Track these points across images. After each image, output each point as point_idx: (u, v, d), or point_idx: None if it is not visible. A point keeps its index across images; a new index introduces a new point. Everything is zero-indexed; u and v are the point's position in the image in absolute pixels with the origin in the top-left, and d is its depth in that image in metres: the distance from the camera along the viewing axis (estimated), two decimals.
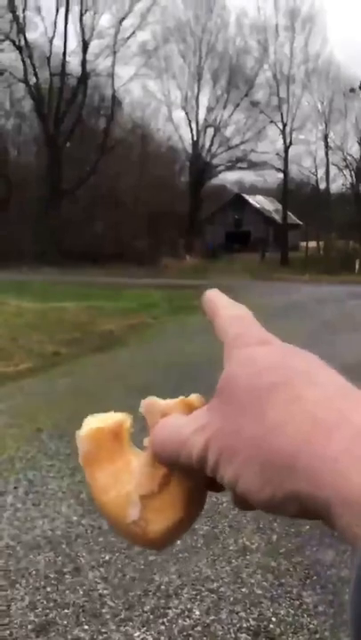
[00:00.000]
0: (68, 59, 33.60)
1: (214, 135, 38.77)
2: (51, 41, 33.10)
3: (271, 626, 2.44)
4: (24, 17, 32.07)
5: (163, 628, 2.42)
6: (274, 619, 2.48)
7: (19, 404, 5.57)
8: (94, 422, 0.41)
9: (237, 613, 2.52)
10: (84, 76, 33.69)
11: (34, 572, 2.79)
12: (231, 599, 2.62)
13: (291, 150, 37.96)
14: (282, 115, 37.34)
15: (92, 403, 5.33)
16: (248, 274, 27.59)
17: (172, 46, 37.54)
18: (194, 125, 38.38)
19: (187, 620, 2.47)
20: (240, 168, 42.05)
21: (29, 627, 2.42)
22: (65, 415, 5.01)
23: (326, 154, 39.30)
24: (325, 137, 38.97)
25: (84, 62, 33.57)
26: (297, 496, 0.30)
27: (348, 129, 44.64)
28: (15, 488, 3.70)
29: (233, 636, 2.38)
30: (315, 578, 2.79)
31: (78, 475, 3.77)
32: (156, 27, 40.58)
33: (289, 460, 0.30)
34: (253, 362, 0.34)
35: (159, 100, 49.83)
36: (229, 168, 41.37)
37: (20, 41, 32.31)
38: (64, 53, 32.98)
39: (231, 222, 45.32)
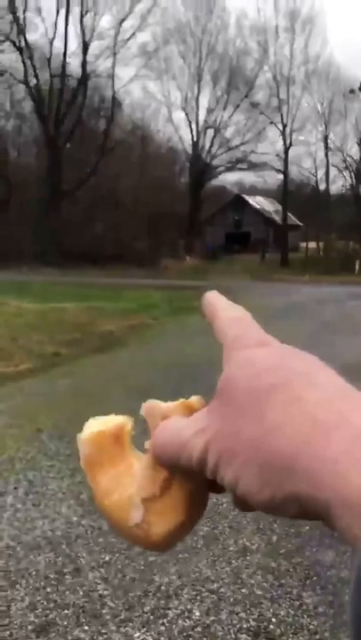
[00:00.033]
0: (68, 60, 33.71)
1: (214, 136, 38.86)
2: (51, 42, 33.21)
3: (271, 627, 2.44)
4: (24, 18, 32.16)
5: (163, 628, 2.42)
6: (274, 619, 2.48)
7: (19, 405, 5.57)
8: (96, 425, 0.41)
9: (237, 614, 2.52)
10: (85, 78, 33.72)
11: (34, 573, 2.79)
12: (231, 600, 2.62)
13: (291, 151, 38.05)
14: (282, 116, 37.43)
15: (92, 403, 5.33)
16: (248, 275, 27.59)
17: (172, 47, 37.64)
18: (194, 126, 38.47)
19: (187, 620, 2.47)
20: (240, 169, 42.13)
21: (29, 627, 2.42)
22: (65, 416, 5.01)
23: (326, 155, 39.37)
24: (325, 138, 39.02)
25: (84, 63, 33.63)
26: (297, 497, 0.30)
27: (348, 130, 44.77)
28: (15, 489, 3.70)
29: (233, 636, 2.38)
30: (315, 578, 2.79)
31: (78, 475, 3.77)
32: (157, 28, 40.74)
33: (288, 462, 0.30)
34: (252, 363, 0.34)
35: (159, 101, 50.03)
36: (229, 169, 41.45)
37: (20, 42, 32.40)
38: (64, 54, 33.07)
39: (231, 223, 45.33)
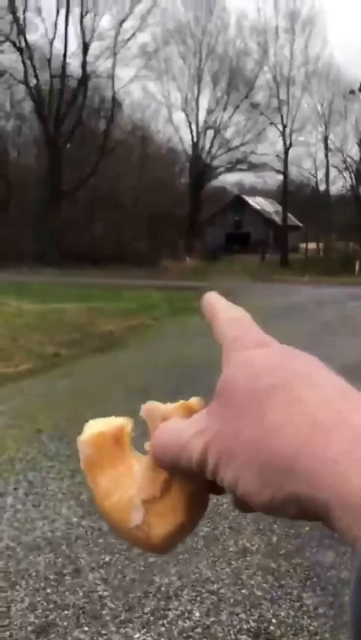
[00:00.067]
0: (68, 60, 33.73)
1: (214, 137, 38.85)
2: (51, 42, 33.22)
3: (271, 627, 2.44)
4: (24, 18, 32.18)
5: (163, 629, 2.42)
6: (274, 620, 2.48)
7: (19, 405, 5.57)
8: (96, 427, 0.41)
9: (237, 615, 2.52)
10: (85, 78, 33.74)
11: (34, 574, 2.79)
12: (231, 601, 2.61)
13: (291, 152, 38.02)
14: (282, 116, 37.42)
15: (92, 404, 5.33)
16: (248, 275, 27.59)
17: (172, 48, 37.64)
18: (194, 127, 38.46)
19: (187, 621, 2.47)
20: (240, 170, 42.12)
21: (29, 628, 2.41)
22: (65, 416, 5.01)
23: (326, 155, 39.35)
24: (325, 139, 39.00)
25: (84, 64, 33.64)
26: (296, 498, 0.30)
27: (348, 131, 44.70)
28: (15, 489, 3.69)
29: (233, 637, 2.38)
30: (315, 579, 2.78)
31: (78, 476, 3.76)
32: (157, 28, 40.61)
33: (288, 462, 0.30)
34: (252, 364, 0.34)
35: (159, 102, 50.04)
36: (229, 170, 41.45)
37: (20, 42, 32.40)
38: (64, 55, 33.08)
39: (231, 224, 45.34)
